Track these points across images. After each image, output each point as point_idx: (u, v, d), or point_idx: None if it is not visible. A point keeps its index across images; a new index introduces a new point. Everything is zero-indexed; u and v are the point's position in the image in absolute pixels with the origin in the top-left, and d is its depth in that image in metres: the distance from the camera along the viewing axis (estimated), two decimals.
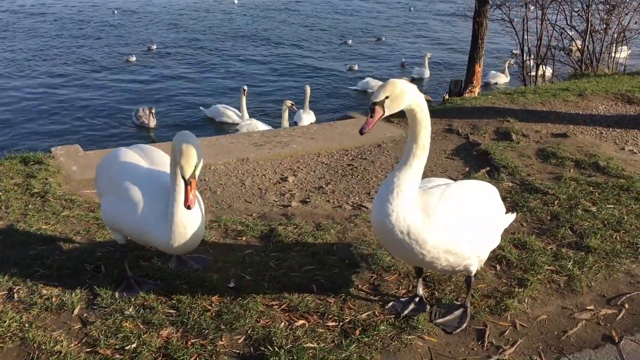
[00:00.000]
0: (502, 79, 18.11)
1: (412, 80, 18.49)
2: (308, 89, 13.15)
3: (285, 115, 11.93)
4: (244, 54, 20.99)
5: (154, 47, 20.86)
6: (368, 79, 17.09)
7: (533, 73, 13.86)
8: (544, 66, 13.89)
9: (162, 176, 3.27)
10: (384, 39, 24.12)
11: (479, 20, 10.94)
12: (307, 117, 12.90)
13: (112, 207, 3.33)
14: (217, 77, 18.09)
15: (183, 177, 2.97)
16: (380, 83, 2.99)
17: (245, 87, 13.60)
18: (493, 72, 18.37)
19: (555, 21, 14.01)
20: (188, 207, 2.94)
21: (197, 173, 2.99)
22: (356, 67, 19.09)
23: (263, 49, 22.02)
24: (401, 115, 8.38)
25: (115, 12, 27.94)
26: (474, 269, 3.19)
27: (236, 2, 32.26)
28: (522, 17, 13.81)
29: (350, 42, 23.43)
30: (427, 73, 18.50)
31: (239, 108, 13.54)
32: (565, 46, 14.20)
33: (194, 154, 2.95)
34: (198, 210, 3.20)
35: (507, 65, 18.29)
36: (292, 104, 12.16)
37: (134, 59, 19.23)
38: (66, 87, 16.34)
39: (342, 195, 5.39)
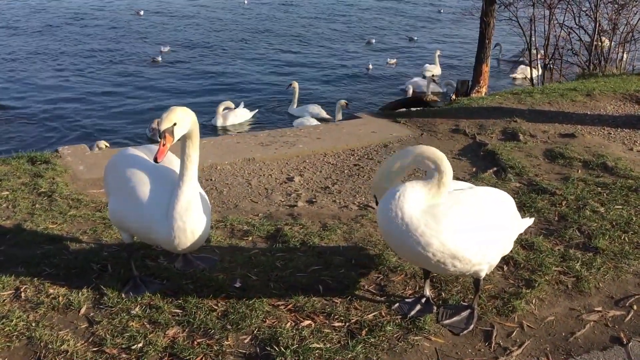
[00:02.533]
0: (533, 72, 15.56)
1: (423, 78, 18.44)
2: (296, 85, 13.33)
3: (339, 114, 12.27)
4: (264, 54, 20.86)
5: (167, 49, 20.65)
6: (426, 64, 18.19)
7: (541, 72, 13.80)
8: (551, 65, 13.78)
9: (168, 175, 3.29)
10: (415, 38, 23.85)
11: (486, 20, 10.92)
12: (316, 109, 13.31)
13: (118, 206, 3.35)
14: (238, 78, 17.78)
15: (159, 130, 3.04)
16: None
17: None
18: (522, 66, 16.45)
19: (563, 21, 13.93)
20: (155, 160, 3.01)
21: (177, 134, 3.04)
22: (370, 67, 18.94)
23: (280, 49, 21.86)
24: (408, 115, 8.31)
25: (142, 12, 27.85)
26: (483, 274, 3.18)
27: (246, 2, 32.14)
28: (529, 17, 13.74)
29: (373, 41, 23.26)
30: (437, 70, 18.31)
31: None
32: (573, 46, 14.11)
33: (177, 111, 3.05)
34: (199, 208, 3.21)
35: (538, 57, 15.57)
36: (346, 104, 12.51)
37: (159, 59, 19.16)
38: (86, 88, 16.21)
39: (348, 196, 5.38)
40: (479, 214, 3.03)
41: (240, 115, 13.15)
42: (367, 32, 24.97)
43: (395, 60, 19.55)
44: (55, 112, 14.15)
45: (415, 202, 2.92)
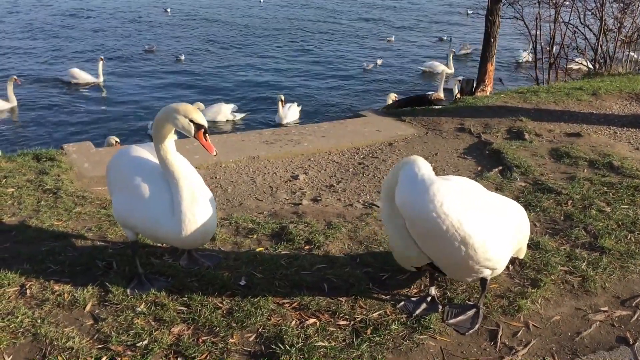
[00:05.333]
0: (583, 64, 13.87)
1: (423, 74, 18.39)
2: (282, 99, 13.41)
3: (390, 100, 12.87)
4: (281, 53, 20.87)
5: (153, 47, 20.56)
6: (434, 61, 18.40)
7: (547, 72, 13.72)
8: (557, 64, 13.69)
9: None
10: (445, 38, 23.57)
11: (492, 18, 10.88)
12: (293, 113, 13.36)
13: (123, 204, 3.35)
14: (256, 78, 17.74)
15: (200, 126, 3.15)
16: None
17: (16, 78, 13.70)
18: (578, 60, 14.21)
19: (569, 20, 13.87)
20: (216, 154, 3.22)
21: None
22: (369, 67, 18.89)
23: (299, 46, 21.86)
24: (413, 114, 8.28)
25: (169, 10, 27.86)
26: (485, 276, 3.17)
27: (262, 0, 32.09)
28: (534, 16, 13.69)
29: (392, 39, 23.17)
30: (441, 68, 18.11)
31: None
32: (579, 45, 14.04)
33: (191, 106, 3.20)
34: (205, 200, 3.26)
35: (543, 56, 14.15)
36: (396, 96, 13.14)
37: (182, 57, 19.09)
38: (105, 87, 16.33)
39: (353, 194, 5.37)
40: (498, 215, 3.11)
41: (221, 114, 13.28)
42: (389, 31, 24.90)
43: (381, 60, 19.42)
44: (62, 108, 14.20)
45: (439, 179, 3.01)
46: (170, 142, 3.26)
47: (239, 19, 27.06)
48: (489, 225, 2.99)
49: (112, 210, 4.32)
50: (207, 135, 3.20)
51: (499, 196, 3.42)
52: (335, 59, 20.16)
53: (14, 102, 13.66)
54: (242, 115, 13.64)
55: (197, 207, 3.17)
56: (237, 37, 23.15)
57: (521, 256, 3.66)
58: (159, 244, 3.95)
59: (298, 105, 13.67)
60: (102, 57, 16.65)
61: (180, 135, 3.60)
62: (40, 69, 17.49)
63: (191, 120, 3.15)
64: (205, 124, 3.19)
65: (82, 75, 15.92)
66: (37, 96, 15.01)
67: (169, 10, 27.79)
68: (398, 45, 22.55)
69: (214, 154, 3.23)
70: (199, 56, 19.94)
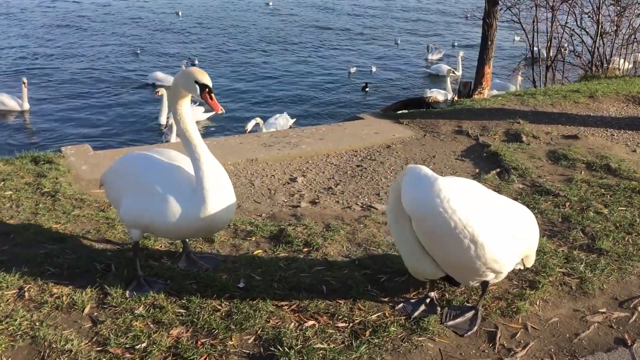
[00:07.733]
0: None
1: (429, 76, 18.51)
2: (260, 122, 12.53)
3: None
4: (296, 58, 20.94)
5: (138, 50, 20.61)
6: (442, 64, 18.89)
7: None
8: (554, 66, 13.75)
9: (183, 169, 3.36)
10: (456, 44, 23.43)
11: (489, 21, 10.92)
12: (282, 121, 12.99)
13: (138, 204, 3.33)
14: (273, 82, 17.75)
15: (204, 85, 3.16)
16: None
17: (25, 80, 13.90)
18: (575, 62, 13.88)
19: (566, 23, 13.93)
20: (222, 112, 3.26)
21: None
22: (353, 70, 18.88)
23: (303, 49, 21.89)
24: (411, 116, 8.28)
25: (180, 13, 27.90)
26: (489, 279, 3.17)
27: (270, 4, 32.12)
28: (532, 19, 13.74)
29: (399, 41, 23.25)
30: (445, 69, 18.03)
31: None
32: (576, 48, 14.11)
33: (200, 69, 3.23)
34: (224, 176, 3.31)
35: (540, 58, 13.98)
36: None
37: (196, 62, 19.07)
38: (102, 88, 16.23)
39: (351, 196, 5.38)
40: (507, 218, 3.11)
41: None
42: (391, 34, 24.93)
43: (375, 67, 19.30)
44: (62, 113, 14.21)
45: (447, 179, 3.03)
46: (186, 109, 3.30)
47: (248, 21, 27.09)
48: (496, 226, 2.99)
49: (110, 212, 4.34)
50: (212, 94, 3.20)
51: (506, 198, 3.38)
52: (336, 63, 20.18)
53: (26, 106, 13.74)
54: (209, 115, 13.56)
55: (218, 183, 3.22)
56: (246, 41, 23.12)
57: (529, 264, 3.59)
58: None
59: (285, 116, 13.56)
60: (186, 61, 16.99)
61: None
62: (50, 70, 17.52)
63: (196, 82, 3.18)
64: (210, 84, 3.20)
65: (168, 79, 15.98)
66: (53, 97, 15.08)
67: (180, 13, 27.85)
68: (398, 49, 22.62)
69: (220, 111, 3.25)
70: (210, 60, 19.97)
